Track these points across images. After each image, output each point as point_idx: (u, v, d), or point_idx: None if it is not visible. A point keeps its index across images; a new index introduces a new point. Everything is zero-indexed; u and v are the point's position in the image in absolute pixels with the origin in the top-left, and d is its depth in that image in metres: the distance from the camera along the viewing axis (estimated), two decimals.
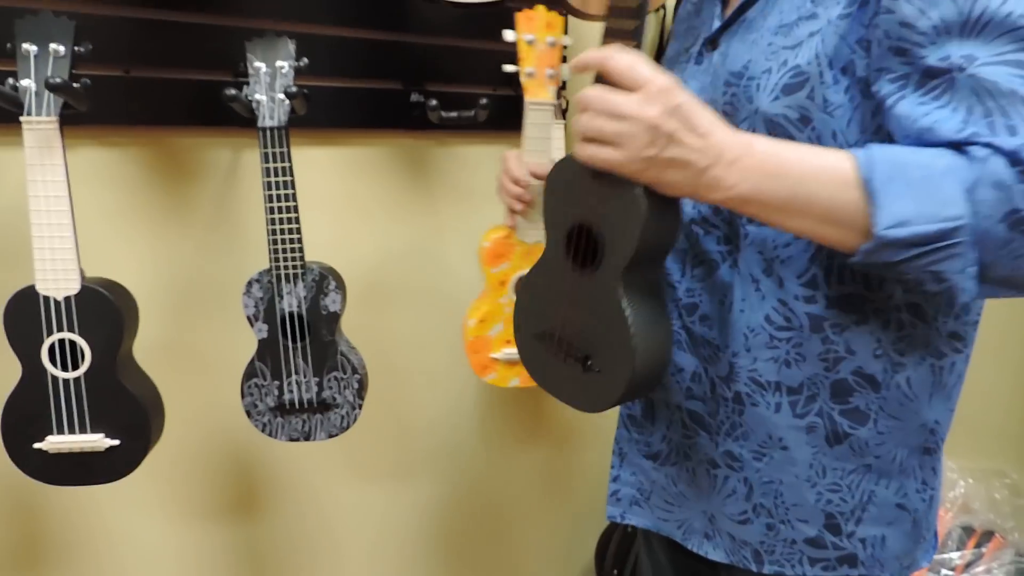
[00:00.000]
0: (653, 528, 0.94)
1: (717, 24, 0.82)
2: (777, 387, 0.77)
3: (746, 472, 0.81)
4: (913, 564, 0.81)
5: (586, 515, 1.80)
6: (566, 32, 1.23)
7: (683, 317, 0.84)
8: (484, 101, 1.24)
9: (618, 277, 0.76)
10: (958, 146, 0.60)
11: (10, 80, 0.93)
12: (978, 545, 1.59)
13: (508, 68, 1.17)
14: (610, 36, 0.70)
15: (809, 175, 0.63)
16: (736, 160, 0.64)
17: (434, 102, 1.23)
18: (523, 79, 1.16)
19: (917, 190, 0.60)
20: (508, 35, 1.15)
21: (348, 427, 1.19)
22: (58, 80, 0.91)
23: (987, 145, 0.59)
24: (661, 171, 0.66)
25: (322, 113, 1.29)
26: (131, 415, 1.02)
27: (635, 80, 0.64)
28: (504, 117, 1.44)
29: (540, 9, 1.16)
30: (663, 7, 1.59)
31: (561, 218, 0.81)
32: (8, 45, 0.93)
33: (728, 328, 0.79)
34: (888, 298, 0.72)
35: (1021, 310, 1.64)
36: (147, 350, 1.16)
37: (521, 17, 1.16)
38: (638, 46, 0.69)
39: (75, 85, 0.93)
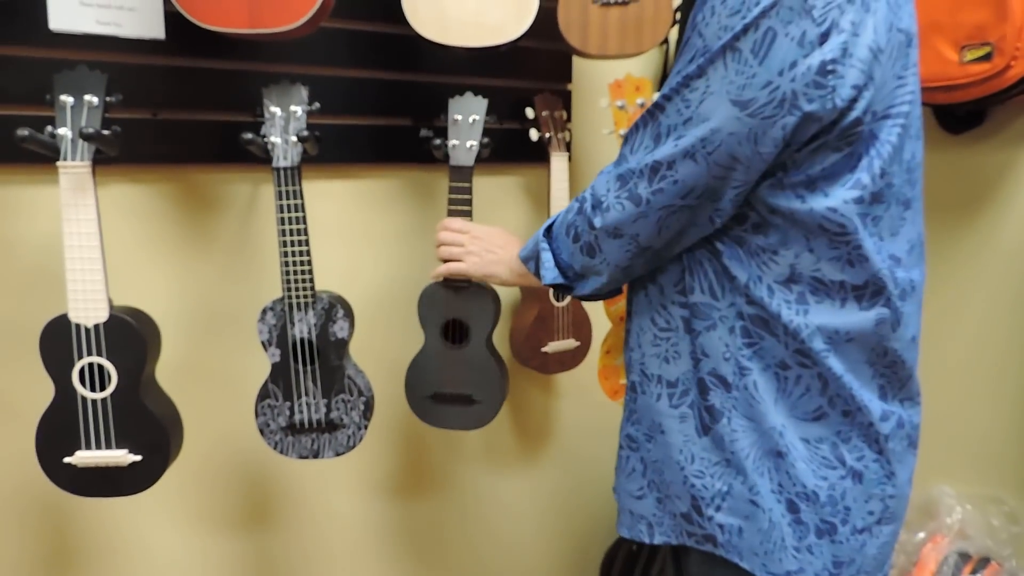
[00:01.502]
0: None
1: None
2: (659, 380, 0.89)
3: (641, 452, 0.94)
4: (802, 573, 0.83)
5: (591, 531, 1.83)
6: (657, 90, 1.39)
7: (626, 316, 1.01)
8: (486, 140, 1.31)
9: (482, 343, 1.35)
10: None
11: (48, 128, 1.01)
12: (974, 572, 1.58)
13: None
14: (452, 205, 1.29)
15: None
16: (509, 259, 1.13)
17: (438, 140, 1.30)
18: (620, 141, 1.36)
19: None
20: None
21: (354, 446, 1.24)
22: (91, 130, 0.99)
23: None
24: (486, 269, 1.17)
25: (336, 149, 1.37)
26: (152, 433, 1.08)
27: (460, 229, 1.21)
28: (509, 151, 1.51)
29: (628, 77, 1.38)
30: (667, 40, 1.65)
31: (436, 319, 1.34)
32: (48, 97, 1.02)
33: (629, 328, 0.95)
34: (730, 306, 0.83)
35: (1019, 336, 1.65)
36: (169, 372, 1.21)
37: (612, 87, 1.39)
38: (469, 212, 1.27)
39: (106, 133, 1.01)
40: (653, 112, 0.81)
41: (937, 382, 1.71)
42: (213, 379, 1.35)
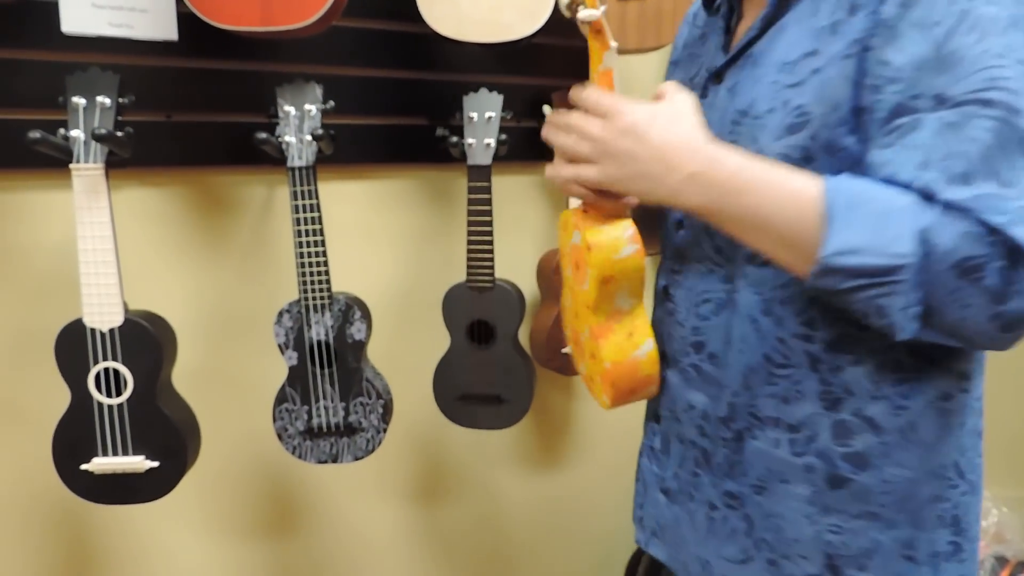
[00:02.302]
0: (667, 562, 0.92)
1: (722, 58, 0.81)
2: (776, 423, 0.74)
3: (747, 508, 0.78)
4: None
5: (614, 536, 1.81)
6: None
7: (691, 355, 0.81)
8: (503, 138, 1.28)
9: (509, 343, 1.34)
10: None
11: (61, 130, 1.00)
12: None
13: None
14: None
15: (773, 196, 0.65)
16: (696, 174, 0.68)
17: (455, 139, 1.28)
18: None
19: (872, 223, 0.61)
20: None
21: (373, 450, 1.23)
22: (103, 131, 0.98)
23: (938, 196, 0.60)
24: (628, 184, 0.73)
25: (351, 149, 1.36)
26: (169, 438, 1.07)
27: (598, 109, 0.74)
28: (527, 148, 1.48)
29: None
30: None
31: (461, 320, 1.33)
32: (60, 99, 1.01)
33: (729, 367, 0.77)
34: (882, 337, 0.66)
35: None
36: (185, 376, 1.20)
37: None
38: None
39: (119, 134, 1.00)
40: (999, 126, 0.59)
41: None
42: (230, 383, 1.34)
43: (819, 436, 0.72)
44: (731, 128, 0.75)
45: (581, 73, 1.13)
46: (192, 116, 1.23)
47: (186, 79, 1.22)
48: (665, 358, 0.85)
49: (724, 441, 0.79)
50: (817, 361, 0.72)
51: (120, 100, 1.01)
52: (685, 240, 0.83)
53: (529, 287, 1.49)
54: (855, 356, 0.71)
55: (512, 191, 1.55)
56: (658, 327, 0.87)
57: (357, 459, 1.22)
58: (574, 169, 0.76)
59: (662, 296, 0.87)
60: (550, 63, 1.51)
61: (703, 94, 0.82)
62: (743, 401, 0.76)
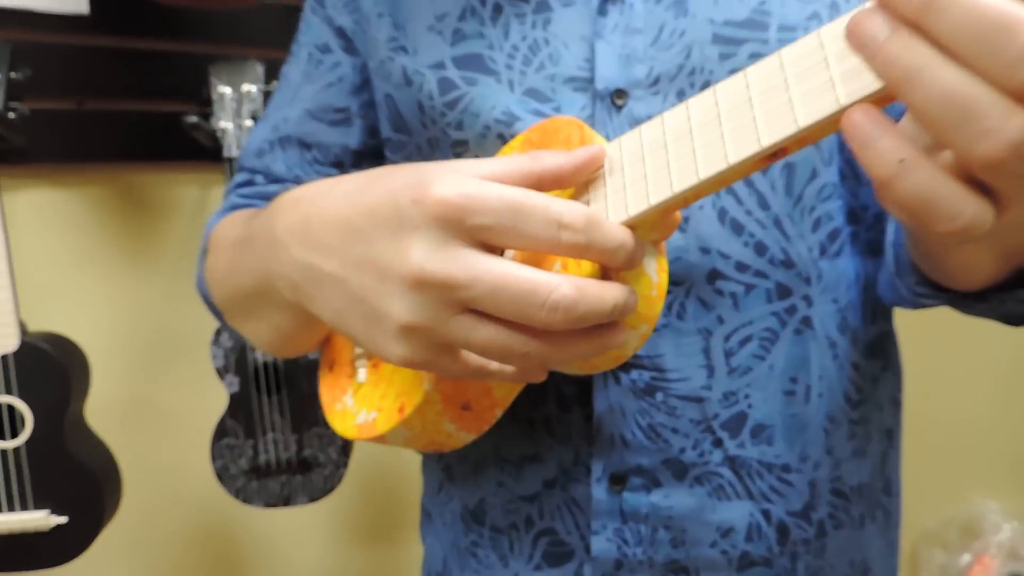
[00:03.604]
0: None
1: None
2: (859, 492, 0.56)
3: None
4: None
5: None
6: None
7: (722, 445, 0.53)
8: None
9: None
10: None
11: None
12: None
13: None
14: None
15: None
16: None
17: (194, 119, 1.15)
18: None
19: None
20: None
21: (332, 488, 1.14)
22: None
23: None
24: None
25: None
26: (81, 488, 0.97)
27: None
28: None
29: None
30: None
31: None
32: None
33: (802, 430, 0.54)
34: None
35: None
36: (103, 411, 1.12)
37: None
38: None
39: (10, 115, 0.89)
40: None
41: (979, 388, 1.64)
42: (158, 417, 1.25)
43: (892, 487, 0.58)
44: (713, 53, 0.48)
45: None
46: (109, 104, 1.14)
47: (100, 59, 1.12)
48: (644, 474, 0.53)
49: (803, 544, 0.56)
50: (876, 381, 0.57)
51: (12, 75, 0.92)
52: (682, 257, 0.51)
53: None
54: (884, 361, 0.57)
55: None
56: (615, 424, 0.53)
57: (313, 500, 1.12)
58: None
59: (620, 372, 0.52)
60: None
61: (601, 10, 0.49)
62: (825, 475, 0.54)
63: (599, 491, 0.51)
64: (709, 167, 0.34)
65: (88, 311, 1.20)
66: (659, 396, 0.50)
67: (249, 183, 0.62)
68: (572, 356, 0.37)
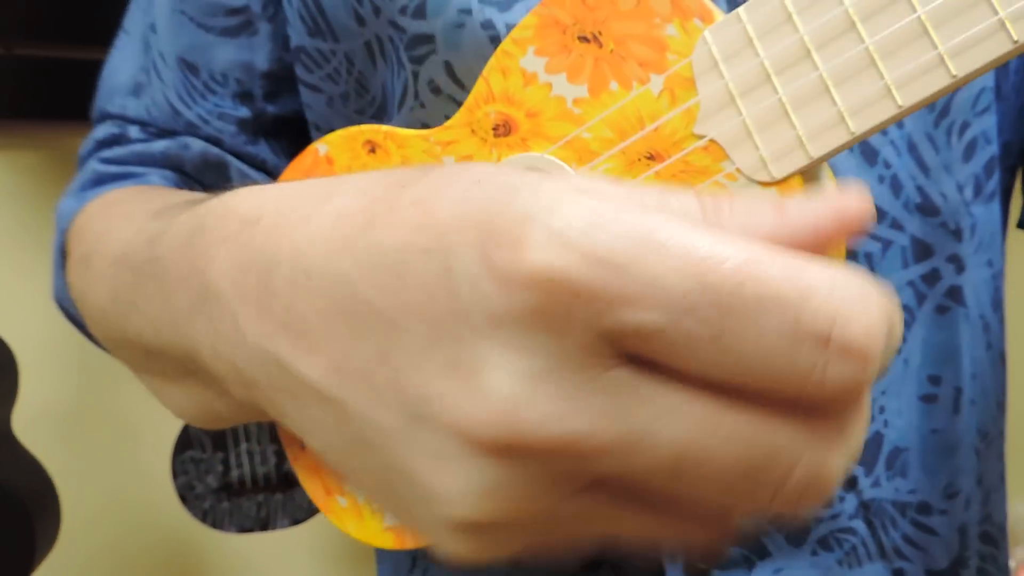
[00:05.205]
0: None
1: None
2: (1003, 533, 0.47)
3: None
4: None
5: None
6: None
7: (856, 487, 0.45)
8: None
9: None
10: None
11: None
12: None
13: None
14: None
15: None
16: None
17: None
18: None
19: None
20: None
21: (318, 509, 0.99)
22: None
23: None
24: None
25: None
26: (6, 517, 0.87)
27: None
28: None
29: None
30: None
31: None
32: None
33: (948, 454, 0.43)
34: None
35: None
36: (38, 421, 1.06)
37: None
38: None
39: None
40: None
41: (1022, 380, 1.59)
42: (105, 427, 1.17)
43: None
44: None
45: None
46: (43, 49, 1.06)
47: None
48: (741, 543, 0.40)
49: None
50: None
51: None
52: None
53: None
54: None
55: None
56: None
57: (297, 522, 1.06)
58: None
59: None
60: None
61: None
62: (975, 516, 0.43)
63: (673, 572, 0.36)
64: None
65: (14, 302, 1.11)
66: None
67: (118, 140, 0.45)
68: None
